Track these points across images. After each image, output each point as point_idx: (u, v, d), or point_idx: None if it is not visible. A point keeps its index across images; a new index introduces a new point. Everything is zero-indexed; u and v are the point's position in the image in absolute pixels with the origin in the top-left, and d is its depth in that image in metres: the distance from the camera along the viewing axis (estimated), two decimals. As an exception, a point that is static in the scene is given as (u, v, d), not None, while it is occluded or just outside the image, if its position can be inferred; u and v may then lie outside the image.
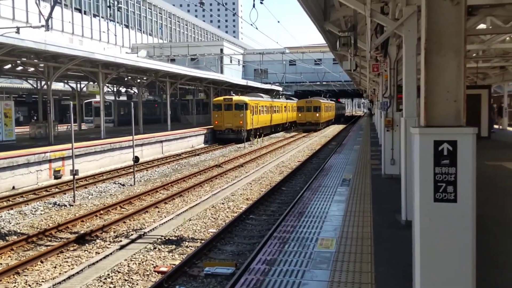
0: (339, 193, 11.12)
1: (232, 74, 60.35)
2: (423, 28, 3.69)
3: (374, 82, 26.52)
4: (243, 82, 49.59)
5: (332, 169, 15.42)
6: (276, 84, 62.24)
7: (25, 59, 22.38)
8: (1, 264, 9.37)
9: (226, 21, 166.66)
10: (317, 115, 48.94)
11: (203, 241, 10.24)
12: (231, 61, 66.64)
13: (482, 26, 12.23)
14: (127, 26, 63.94)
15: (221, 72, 60.75)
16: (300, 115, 49.97)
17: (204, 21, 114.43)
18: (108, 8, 39.81)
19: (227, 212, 13.27)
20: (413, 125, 7.57)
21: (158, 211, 13.61)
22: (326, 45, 17.92)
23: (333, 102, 66.13)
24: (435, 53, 3.71)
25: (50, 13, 16.31)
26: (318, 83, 62.50)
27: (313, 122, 48.93)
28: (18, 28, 16.53)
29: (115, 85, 42.99)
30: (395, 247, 6.80)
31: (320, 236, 7.44)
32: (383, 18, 8.56)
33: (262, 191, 16.14)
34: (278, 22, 26.09)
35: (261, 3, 14.94)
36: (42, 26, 15.77)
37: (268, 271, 5.92)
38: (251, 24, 16.71)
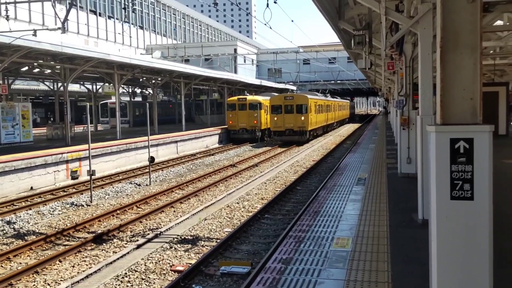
0: (355, 192, 11.09)
1: (246, 74, 60.40)
2: (439, 26, 3.68)
3: (389, 80, 26.34)
4: (257, 81, 49.60)
5: (347, 168, 15.36)
6: (290, 83, 62.15)
7: (41, 61, 22.71)
8: (21, 263, 9.53)
9: (240, 20, 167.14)
10: (302, 118, 32.35)
11: (218, 241, 10.29)
12: (244, 61, 66.72)
13: (499, 22, 12.08)
14: (141, 27, 64.41)
15: (235, 72, 60.86)
16: (276, 119, 32.96)
17: (217, 21, 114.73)
18: (123, 10, 40.14)
19: (242, 211, 13.31)
20: (430, 123, 7.54)
21: (174, 211, 13.71)
22: (341, 43, 17.86)
23: (345, 100, 60.39)
24: (451, 51, 3.69)
25: (66, 16, 16.52)
26: (333, 82, 62.21)
27: (296, 129, 32.70)
28: (35, 31, 16.78)
29: (130, 86, 43.35)
30: (412, 246, 6.77)
31: (336, 235, 7.44)
32: (398, 16, 8.51)
33: (277, 190, 16.14)
34: (292, 21, 26.10)
35: (275, 2, 14.94)
36: (59, 28, 15.98)
37: (284, 270, 5.94)
38: (265, 24, 16.74)
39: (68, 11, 15.98)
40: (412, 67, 11.80)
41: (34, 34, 16.85)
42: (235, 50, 64.35)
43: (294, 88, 60.66)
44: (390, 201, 9.89)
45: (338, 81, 62.08)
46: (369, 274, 5.68)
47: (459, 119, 3.72)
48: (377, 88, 49.76)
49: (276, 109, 33.11)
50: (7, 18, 17.39)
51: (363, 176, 13.42)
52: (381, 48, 10.05)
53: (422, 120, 7.87)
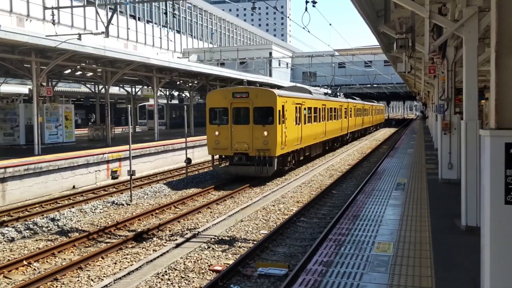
0: (394, 197, 10.96)
1: (281, 77, 60.44)
2: (494, 30, 3.64)
3: (428, 84, 25.84)
4: (291, 85, 49.56)
5: (385, 173, 15.18)
6: (325, 86, 61.78)
7: (84, 64, 23.43)
8: (65, 259, 9.85)
9: (275, 23, 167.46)
10: (265, 133, 18.07)
11: (255, 242, 10.35)
12: (279, 64, 66.79)
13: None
14: (178, 32, 65.44)
15: (270, 75, 60.99)
16: (217, 133, 18.64)
17: (252, 25, 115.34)
18: (165, 15, 40.87)
19: (278, 214, 13.34)
20: (474, 128, 7.41)
21: (211, 212, 13.88)
22: (377, 46, 17.69)
23: (370, 103, 49.46)
24: (506, 56, 3.66)
25: (109, 21, 17.00)
26: (369, 85, 61.44)
27: (253, 154, 18.23)
28: (80, 35, 17.35)
29: (167, 89, 44.10)
30: (456, 252, 6.66)
31: (376, 239, 7.39)
32: (443, 19, 8.40)
33: (312, 194, 16.10)
34: (330, 24, 25.81)
35: (314, 6, 14.93)
36: (102, 32, 16.48)
37: (325, 272, 5.95)
38: (303, 28, 16.71)
39: (111, 17, 16.46)
40: (454, 71, 11.58)
41: (79, 38, 17.43)
42: (270, 53, 64.49)
43: (329, 92, 60.21)
44: (431, 206, 9.73)
45: (375, 85, 61.25)
46: (412, 279, 5.62)
47: (514, 124, 3.66)
48: (415, 92, 48.83)
49: (218, 115, 18.68)
50: (53, 22, 18.02)
51: (402, 181, 13.24)
52: (423, 52, 9.92)
53: (467, 125, 7.72)
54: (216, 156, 19.07)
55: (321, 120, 25.58)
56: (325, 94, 30.80)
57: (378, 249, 6.84)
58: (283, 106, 18.65)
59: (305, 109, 22.14)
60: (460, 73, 11.57)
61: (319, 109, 25.24)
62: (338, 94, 36.35)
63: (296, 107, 20.58)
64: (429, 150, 21.68)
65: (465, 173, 7.62)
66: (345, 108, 33.59)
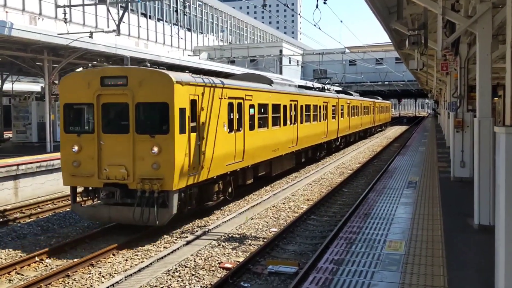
0: (406, 195, 10.88)
1: (291, 75, 60.32)
2: (509, 26, 3.57)
3: (441, 82, 25.62)
4: (301, 82, 49.48)
5: (397, 171, 15.09)
6: (336, 84, 61.49)
7: (95, 62, 23.55)
8: (77, 256, 9.91)
9: (285, 21, 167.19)
10: (155, 149, 10.30)
11: (265, 240, 10.34)
12: (290, 62, 66.66)
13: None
14: (189, 29, 65.55)
15: (280, 72, 60.89)
16: (76, 148, 10.88)
17: (263, 22, 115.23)
18: (175, 13, 40.88)
19: (288, 212, 13.31)
20: (488, 126, 7.32)
21: (221, 209, 13.87)
22: (389, 43, 17.55)
23: (384, 101, 43.77)
24: (521, 51, 3.57)
25: (121, 19, 17.08)
26: (380, 83, 61.03)
27: (136, 186, 10.43)
28: (91, 33, 17.45)
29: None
30: (468, 251, 6.59)
31: (388, 238, 7.34)
32: (456, 15, 8.30)
33: (323, 192, 16.04)
34: (341, 21, 25.54)
35: (325, 3, 14.85)
36: (114, 30, 16.57)
37: (336, 271, 5.92)
38: (314, 25, 16.64)
39: (122, 15, 16.53)
40: (467, 68, 11.45)
41: (91, 36, 17.53)
42: (281, 51, 64.34)
43: (339, 89, 60.01)
44: (444, 205, 9.65)
45: (386, 83, 60.85)
46: (424, 278, 5.57)
47: (529, 121, 3.59)
48: (427, 90, 48.44)
49: (77, 117, 11.55)
50: (65, 21, 18.14)
51: (414, 179, 13.14)
52: (436, 48, 9.83)
53: (480, 122, 7.63)
54: (81, 188, 11.70)
55: (288, 122, 18.37)
56: (299, 86, 22.30)
57: (390, 248, 6.80)
58: (194, 101, 11.30)
59: (252, 106, 14.86)
60: (473, 70, 11.45)
61: (285, 106, 17.95)
62: (327, 87, 29.45)
63: (231, 104, 13.38)
64: (441, 148, 21.52)
65: (478, 171, 7.54)
66: (334, 106, 26.37)
